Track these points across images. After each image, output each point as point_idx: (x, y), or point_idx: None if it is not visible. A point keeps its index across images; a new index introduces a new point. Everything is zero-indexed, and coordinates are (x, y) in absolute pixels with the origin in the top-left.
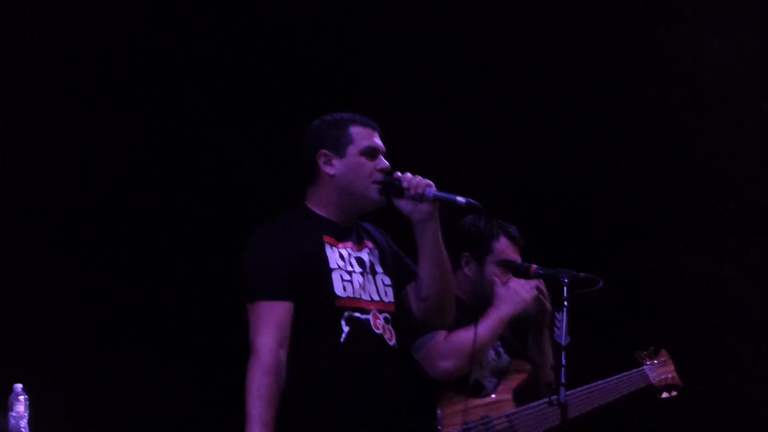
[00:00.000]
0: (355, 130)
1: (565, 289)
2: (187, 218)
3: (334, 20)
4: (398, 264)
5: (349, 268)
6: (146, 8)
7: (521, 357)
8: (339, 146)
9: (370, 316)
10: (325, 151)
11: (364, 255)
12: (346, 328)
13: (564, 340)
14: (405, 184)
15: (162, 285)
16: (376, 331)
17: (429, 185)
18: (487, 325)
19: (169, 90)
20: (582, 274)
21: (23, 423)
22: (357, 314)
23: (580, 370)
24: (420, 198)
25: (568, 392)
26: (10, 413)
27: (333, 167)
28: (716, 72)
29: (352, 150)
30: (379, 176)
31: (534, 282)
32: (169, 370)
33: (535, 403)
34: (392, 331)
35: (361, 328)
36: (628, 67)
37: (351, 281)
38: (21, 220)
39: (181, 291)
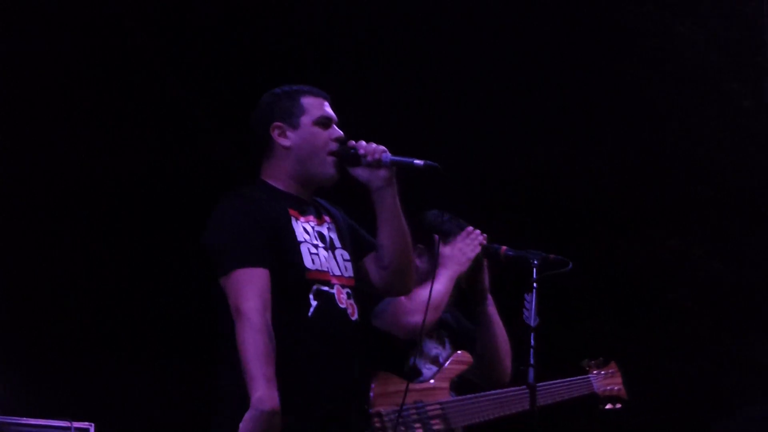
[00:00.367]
0: (307, 101)
1: (534, 270)
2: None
3: None
4: (355, 237)
5: (315, 242)
6: None
7: (465, 348)
8: (292, 117)
9: (334, 290)
10: (278, 123)
11: (324, 230)
12: (314, 302)
13: (533, 322)
14: (361, 152)
15: (163, 284)
16: (341, 305)
17: (384, 151)
18: (441, 282)
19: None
20: (552, 256)
21: None
22: (325, 288)
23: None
24: (377, 164)
25: (515, 388)
26: None
27: (288, 139)
28: (685, 54)
29: (305, 120)
30: (334, 146)
31: (478, 239)
32: (169, 367)
33: (472, 396)
34: (354, 305)
35: (327, 302)
36: (596, 51)
37: (317, 254)
38: (21, 220)
39: (181, 291)
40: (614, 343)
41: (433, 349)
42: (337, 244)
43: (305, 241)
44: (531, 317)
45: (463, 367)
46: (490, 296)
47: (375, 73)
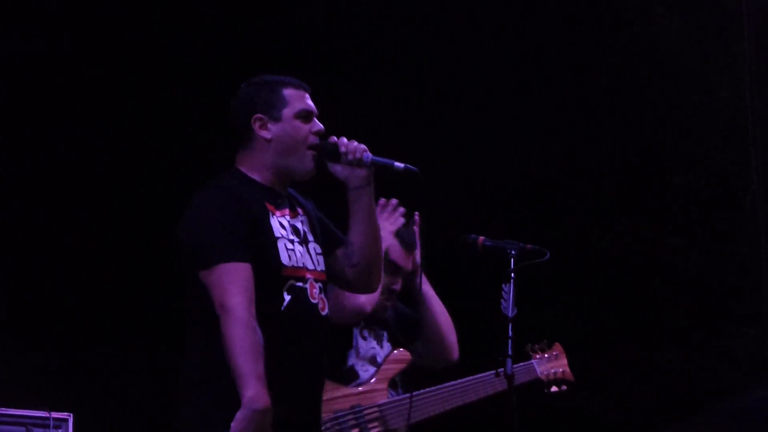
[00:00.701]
0: (289, 92)
1: (512, 260)
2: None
3: None
4: (324, 231)
5: (291, 237)
6: None
7: (411, 336)
8: (273, 109)
9: (307, 285)
10: (259, 115)
11: (298, 223)
12: (287, 297)
13: (511, 312)
14: (342, 149)
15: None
16: (312, 300)
17: (365, 150)
18: None
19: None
20: (529, 246)
21: None
22: (298, 283)
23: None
24: (357, 163)
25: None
26: None
27: (269, 131)
28: (663, 43)
29: (287, 113)
30: (314, 139)
31: (398, 211)
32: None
33: (407, 395)
34: (325, 300)
35: (300, 297)
36: (573, 38)
37: (294, 250)
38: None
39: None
40: (590, 334)
41: (371, 349)
42: (310, 237)
43: (282, 236)
44: (509, 308)
45: (402, 365)
46: (424, 275)
47: (375, 72)
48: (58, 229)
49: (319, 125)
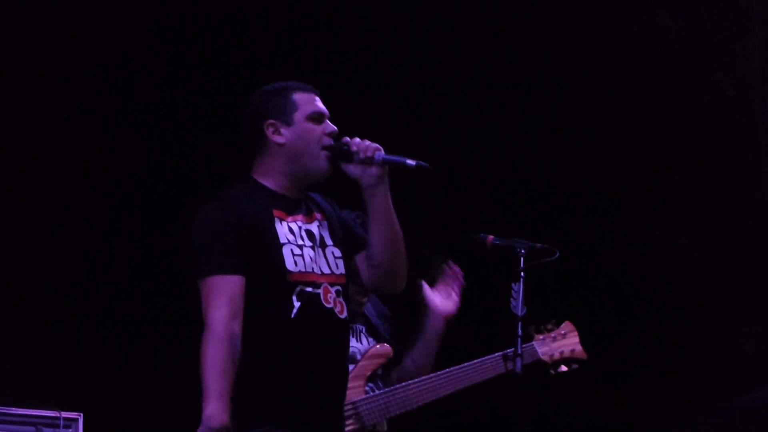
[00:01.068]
0: (298, 96)
1: (521, 259)
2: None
3: None
4: (348, 234)
5: (300, 242)
6: None
7: (386, 341)
8: (285, 114)
9: (321, 290)
10: (272, 120)
11: (314, 228)
12: (297, 303)
13: (520, 311)
14: (354, 148)
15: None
16: (327, 305)
17: (378, 149)
18: None
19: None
20: (538, 245)
21: None
22: (309, 289)
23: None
24: (369, 162)
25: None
26: None
27: (282, 136)
28: (667, 42)
29: (298, 116)
30: (328, 141)
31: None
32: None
33: (384, 390)
34: (343, 303)
35: (311, 302)
36: (575, 39)
37: (302, 255)
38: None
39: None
40: (592, 333)
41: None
42: (328, 241)
43: (289, 242)
44: (518, 306)
45: (381, 360)
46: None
47: (376, 73)
48: (65, 228)
49: (332, 126)
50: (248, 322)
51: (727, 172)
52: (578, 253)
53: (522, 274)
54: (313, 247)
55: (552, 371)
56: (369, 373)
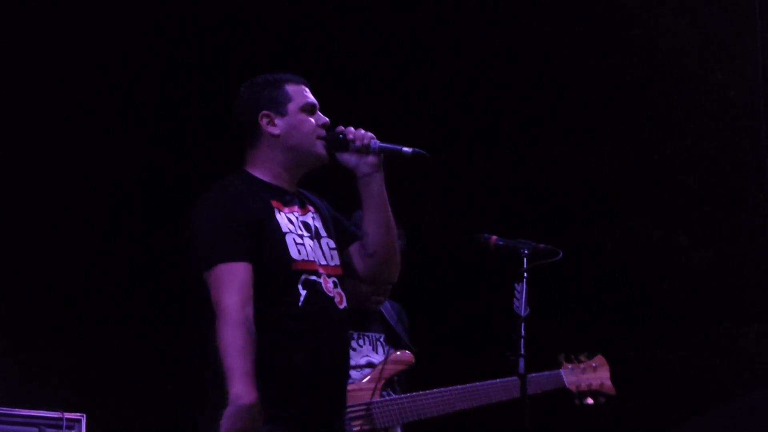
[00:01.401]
0: (290, 88)
1: (525, 260)
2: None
3: None
4: (338, 227)
5: (300, 232)
6: None
7: (408, 347)
8: (279, 105)
9: (321, 280)
10: (266, 112)
11: (309, 219)
12: (303, 292)
13: (524, 312)
14: (350, 137)
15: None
16: (328, 294)
17: (373, 137)
18: None
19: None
20: (542, 246)
21: None
22: (312, 277)
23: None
24: (365, 150)
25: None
26: None
27: (276, 127)
28: (666, 42)
29: (292, 108)
30: (321, 131)
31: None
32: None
33: (399, 396)
34: (342, 294)
35: (316, 291)
36: (576, 39)
37: (303, 244)
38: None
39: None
40: (599, 333)
41: (363, 357)
42: (323, 233)
43: (290, 231)
44: (521, 307)
45: (401, 367)
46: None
47: (376, 73)
48: (65, 227)
49: (324, 118)
50: (257, 311)
51: (729, 172)
52: (579, 253)
53: (525, 274)
54: (311, 237)
55: (577, 401)
56: (387, 377)
